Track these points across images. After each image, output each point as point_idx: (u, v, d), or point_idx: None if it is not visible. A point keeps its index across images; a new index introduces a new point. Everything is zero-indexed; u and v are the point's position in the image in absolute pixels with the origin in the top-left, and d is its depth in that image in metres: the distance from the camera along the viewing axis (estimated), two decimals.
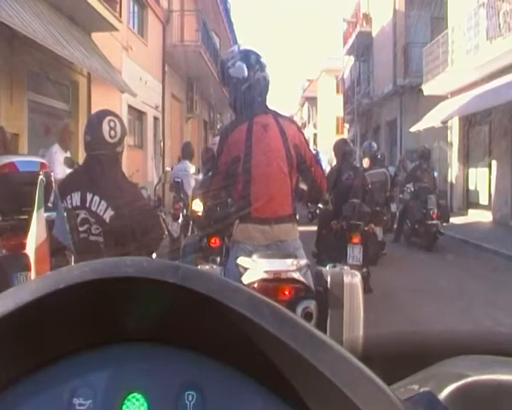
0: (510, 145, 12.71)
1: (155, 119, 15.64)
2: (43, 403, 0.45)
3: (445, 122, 14.85)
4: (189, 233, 6.94)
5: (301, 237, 2.86)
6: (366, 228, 6.07)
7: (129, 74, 12.28)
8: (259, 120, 2.75)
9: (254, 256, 2.40)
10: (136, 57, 13.15)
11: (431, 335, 0.73)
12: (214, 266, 2.85)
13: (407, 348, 0.65)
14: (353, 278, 2.18)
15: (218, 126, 24.57)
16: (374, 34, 23.33)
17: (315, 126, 47.59)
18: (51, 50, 7.28)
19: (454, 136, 16.18)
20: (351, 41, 25.29)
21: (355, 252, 5.83)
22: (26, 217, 2.87)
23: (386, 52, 20.65)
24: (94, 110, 6.98)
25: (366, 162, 8.15)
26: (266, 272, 2.29)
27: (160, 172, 12.60)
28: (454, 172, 16.21)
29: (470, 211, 14.91)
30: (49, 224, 2.34)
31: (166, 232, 6.08)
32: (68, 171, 3.55)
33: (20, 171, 3.68)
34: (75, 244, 2.45)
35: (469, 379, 0.48)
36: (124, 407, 0.45)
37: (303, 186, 3.14)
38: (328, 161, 15.21)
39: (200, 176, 7.02)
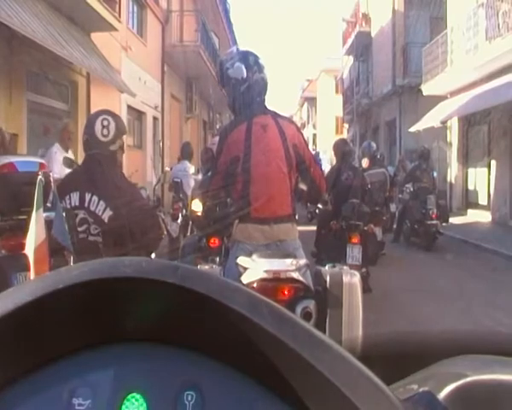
0: (509, 145, 12.72)
1: (154, 119, 15.64)
2: (42, 403, 0.45)
3: (444, 122, 14.86)
4: (189, 233, 6.94)
5: (301, 236, 2.86)
6: (365, 228, 6.07)
7: (128, 74, 12.28)
8: (258, 120, 2.76)
9: (254, 256, 2.41)
10: (136, 57, 13.15)
11: (430, 335, 0.73)
12: (214, 266, 2.85)
13: (406, 347, 0.65)
14: (352, 278, 2.18)
15: (218, 126, 24.57)
16: (373, 34, 23.34)
17: (314, 126, 47.62)
18: (50, 50, 7.28)
19: (453, 136, 16.20)
20: (350, 41, 25.30)
21: (354, 252, 5.84)
22: (25, 217, 2.87)
23: (386, 52, 20.66)
24: (93, 110, 6.98)
25: (365, 162, 8.15)
26: (266, 271, 2.30)
27: (159, 173, 12.61)
28: (453, 172, 16.22)
29: (469, 211, 14.92)
30: (48, 224, 2.34)
31: (165, 232, 6.08)
32: (67, 170, 3.55)
33: (19, 171, 3.68)
34: (74, 244, 2.45)
35: (469, 379, 0.48)
36: (123, 407, 0.45)
37: (302, 186, 3.14)
38: (329, 160, 15.22)
39: (200, 176, 7.02)
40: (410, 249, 9.74)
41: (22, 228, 2.61)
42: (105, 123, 2.79)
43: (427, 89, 15.93)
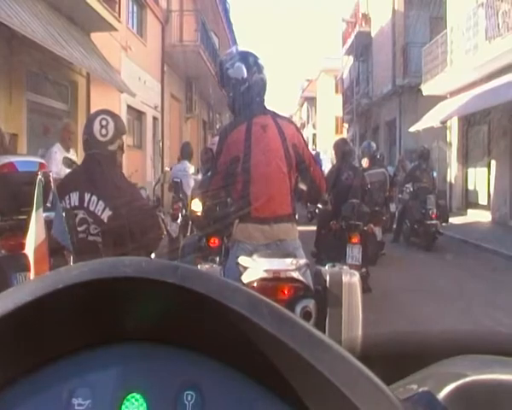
0: (509, 145, 12.72)
1: (154, 119, 15.64)
2: (41, 403, 0.45)
3: (444, 122, 14.86)
4: (188, 233, 6.94)
5: (301, 236, 2.86)
6: (365, 228, 6.07)
7: (128, 74, 12.28)
8: (258, 120, 2.77)
9: (254, 256, 2.41)
10: (135, 57, 13.15)
11: (430, 334, 0.73)
12: (214, 266, 2.86)
13: (406, 347, 0.65)
14: (352, 278, 2.18)
15: (218, 126, 24.57)
16: (373, 34, 23.34)
17: (314, 126, 47.61)
18: (50, 50, 7.28)
19: (453, 136, 16.20)
20: (350, 41, 25.30)
21: (354, 252, 5.84)
22: (24, 217, 2.86)
23: (386, 52, 20.66)
24: (93, 110, 6.97)
25: (365, 162, 8.15)
26: (266, 271, 2.30)
27: (159, 173, 12.61)
28: (453, 172, 16.22)
29: (469, 211, 14.93)
30: (48, 224, 2.34)
31: (165, 232, 6.08)
32: (67, 170, 3.55)
33: (19, 171, 3.68)
34: (74, 244, 2.45)
35: (468, 379, 0.48)
36: (123, 407, 0.45)
37: (302, 186, 3.14)
38: (330, 160, 15.20)
39: (200, 176, 7.02)
40: (409, 249, 9.74)
41: (22, 228, 2.61)
42: (103, 123, 2.79)
43: (427, 89, 15.94)
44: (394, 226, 10.07)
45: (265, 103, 2.93)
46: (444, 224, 9.90)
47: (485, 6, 11.81)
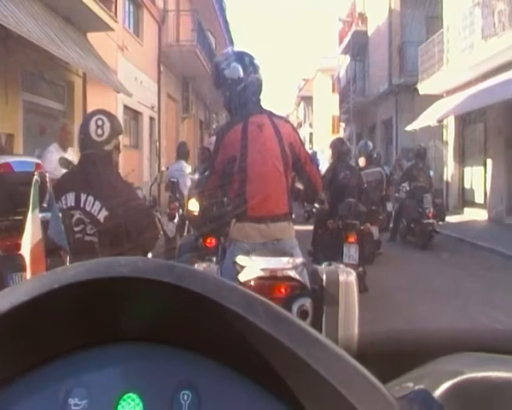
0: (505, 144, 12.76)
1: (151, 119, 15.62)
2: (38, 403, 0.45)
3: (440, 121, 14.88)
4: (185, 233, 6.93)
5: (297, 236, 2.86)
6: (362, 227, 6.08)
7: (124, 74, 12.26)
8: (254, 119, 2.77)
9: (251, 255, 2.42)
10: (132, 57, 13.13)
11: (426, 332, 0.73)
12: (211, 265, 2.86)
13: (402, 345, 0.65)
14: (348, 276, 2.19)
15: (214, 126, 24.56)
16: (369, 33, 23.36)
17: (311, 126, 47.63)
18: (46, 50, 7.26)
19: (449, 135, 16.23)
20: (346, 40, 25.32)
21: (351, 251, 5.85)
22: (21, 217, 2.86)
23: (382, 51, 20.68)
24: (89, 110, 6.97)
25: (362, 161, 8.16)
26: (263, 270, 2.31)
27: (156, 172, 12.60)
28: (449, 170, 16.25)
29: (466, 209, 14.96)
30: (44, 224, 2.34)
31: (162, 232, 6.08)
32: (63, 170, 3.54)
33: (16, 171, 3.68)
34: (70, 245, 2.44)
35: (464, 376, 0.48)
36: (119, 406, 0.44)
37: (299, 186, 3.15)
38: (328, 159, 15.21)
39: (196, 176, 7.00)
40: (406, 248, 9.76)
41: (18, 228, 2.60)
42: (99, 123, 2.79)
43: (424, 88, 15.96)
44: (391, 225, 10.09)
45: (262, 103, 2.93)
46: (440, 222, 9.92)
47: (482, 5, 11.83)
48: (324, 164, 13.21)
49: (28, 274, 2.23)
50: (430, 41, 15.80)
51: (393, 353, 0.61)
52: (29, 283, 0.49)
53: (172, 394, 0.45)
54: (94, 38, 10.41)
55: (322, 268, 2.25)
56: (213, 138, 3.97)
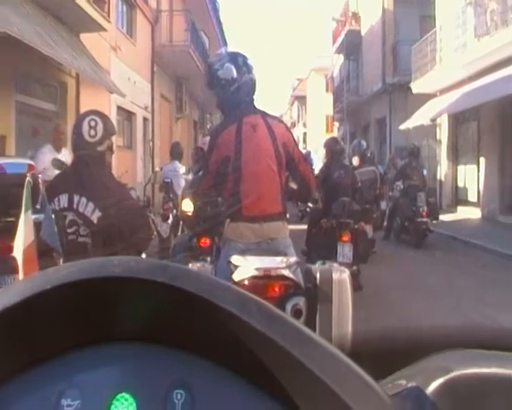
0: (497, 142, 12.82)
1: (144, 119, 15.59)
2: (30, 404, 0.45)
3: (433, 120, 14.93)
4: (179, 233, 6.92)
5: (291, 235, 2.87)
6: (356, 226, 6.09)
7: (117, 75, 12.23)
8: (248, 120, 2.77)
9: (245, 254, 2.42)
10: (125, 58, 13.10)
11: (419, 330, 0.73)
12: (205, 265, 2.86)
13: (396, 343, 0.65)
14: (342, 275, 2.19)
15: (208, 126, 24.53)
16: (363, 33, 23.40)
17: (304, 125, 47.66)
18: (39, 51, 7.23)
19: (443, 133, 16.28)
20: (340, 40, 25.34)
21: (345, 250, 5.86)
22: (13, 219, 2.85)
23: (375, 50, 20.73)
24: (82, 111, 6.95)
25: (356, 160, 8.18)
26: (257, 269, 2.31)
27: (150, 173, 12.57)
28: (443, 169, 16.31)
29: (459, 208, 15.02)
30: (37, 226, 2.33)
31: (155, 233, 6.07)
32: (56, 171, 3.53)
33: (8, 173, 3.67)
34: (63, 246, 2.43)
35: (457, 373, 0.48)
36: (112, 406, 0.44)
37: (293, 185, 3.16)
38: (322, 159, 15.23)
39: (190, 176, 7.00)
40: (400, 247, 9.78)
41: (10, 230, 2.59)
42: (92, 124, 2.77)
43: (417, 87, 16.01)
44: (385, 224, 10.12)
45: (256, 103, 2.94)
46: (434, 221, 9.95)
47: (474, 4, 11.88)
48: (318, 164, 13.24)
49: (20, 276, 2.22)
50: (423, 40, 15.85)
51: (387, 351, 0.61)
52: (21, 284, 0.49)
53: (166, 393, 0.45)
54: (87, 38, 10.37)
55: (316, 267, 2.25)
56: (207, 138, 3.97)
